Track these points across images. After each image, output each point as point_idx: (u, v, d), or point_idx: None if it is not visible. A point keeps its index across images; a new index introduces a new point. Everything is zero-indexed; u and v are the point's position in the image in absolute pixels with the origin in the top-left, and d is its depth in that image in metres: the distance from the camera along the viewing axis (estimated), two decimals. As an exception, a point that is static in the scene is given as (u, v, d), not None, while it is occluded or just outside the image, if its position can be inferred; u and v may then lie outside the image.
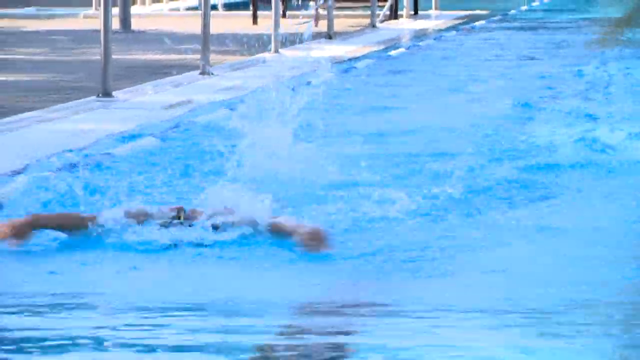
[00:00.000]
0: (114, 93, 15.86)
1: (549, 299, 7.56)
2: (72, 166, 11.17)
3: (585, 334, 6.97)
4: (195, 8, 27.39)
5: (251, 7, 30.54)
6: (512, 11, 36.95)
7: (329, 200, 11.61)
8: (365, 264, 8.48)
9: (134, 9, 29.08)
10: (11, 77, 16.97)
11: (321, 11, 28.07)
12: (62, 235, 8.95)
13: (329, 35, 26.01)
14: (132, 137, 13.14)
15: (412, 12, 34.10)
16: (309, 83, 17.80)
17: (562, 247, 9.40)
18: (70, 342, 6.71)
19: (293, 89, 17.15)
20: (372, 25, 29.66)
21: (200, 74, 18.63)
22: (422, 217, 10.76)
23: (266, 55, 21.78)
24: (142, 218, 8.83)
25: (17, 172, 10.88)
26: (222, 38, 21.44)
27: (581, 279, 8.53)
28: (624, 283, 8.45)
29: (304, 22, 24.19)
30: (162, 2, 36.98)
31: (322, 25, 27.24)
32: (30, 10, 34.51)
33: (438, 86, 20.03)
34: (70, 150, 12.27)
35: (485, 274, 8.14)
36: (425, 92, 18.90)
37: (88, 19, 28.01)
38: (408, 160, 13.44)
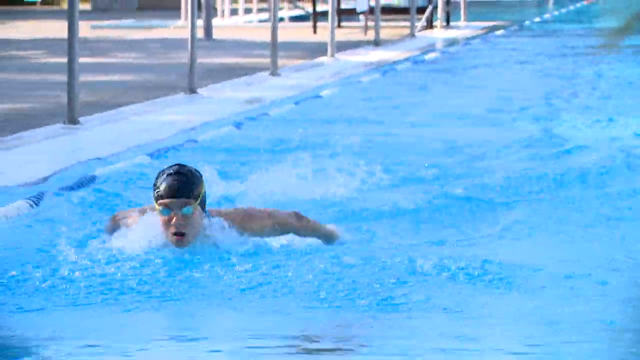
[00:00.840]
0: (198, 90, 16.05)
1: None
2: (165, 150, 11.27)
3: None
4: (266, 20, 27.33)
5: (312, 19, 30.51)
6: (527, 22, 36.70)
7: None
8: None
9: (215, 21, 29.18)
10: (114, 77, 17.16)
11: (370, 22, 27.97)
12: None
13: (376, 42, 26.06)
14: (214, 125, 13.19)
15: (445, 24, 34.00)
16: (359, 82, 17.99)
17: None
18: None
19: (347, 86, 17.31)
20: (412, 35, 29.57)
21: (270, 74, 18.72)
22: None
23: (324, 59, 21.82)
24: None
25: (117, 155, 10.83)
26: (288, 45, 21.47)
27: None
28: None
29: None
30: (238, 15, 36.98)
31: (370, 34, 27.12)
32: (130, 22, 34.59)
33: (461, 81, 19.88)
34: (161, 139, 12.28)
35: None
36: (452, 87, 18.78)
37: (177, 29, 28.06)
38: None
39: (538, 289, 6.65)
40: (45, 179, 9.81)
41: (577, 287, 6.65)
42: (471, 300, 6.47)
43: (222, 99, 15.84)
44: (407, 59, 23.02)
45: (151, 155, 10.82)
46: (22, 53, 22.11)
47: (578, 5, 49.88)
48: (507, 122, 14.90)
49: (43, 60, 19.89)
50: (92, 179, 9.71)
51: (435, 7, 33.67)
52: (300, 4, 38.83)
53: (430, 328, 6.15)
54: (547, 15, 41.26)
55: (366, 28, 28.61)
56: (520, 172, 10.56)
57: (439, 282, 6.73)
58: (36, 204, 8.66)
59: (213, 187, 8.95)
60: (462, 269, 6.93)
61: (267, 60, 19.22)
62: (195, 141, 11.90)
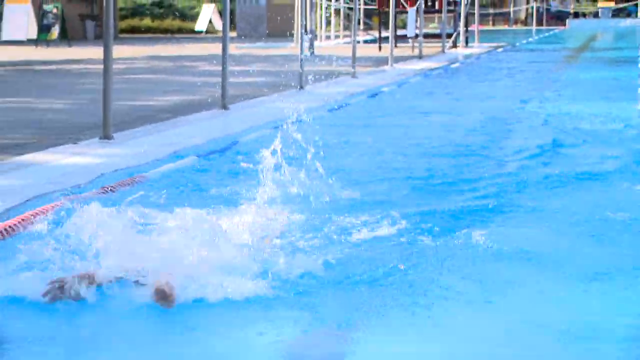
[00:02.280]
0: (305, 87, 15.96)
1: None
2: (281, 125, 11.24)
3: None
4: (348, 42, 27.40)
5: (378, 41, 30.47)
6: (517, 44, 36.43)
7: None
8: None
9: (316, 43, 29.24)
10: (252, 79, 17.15)
11: (415, 44, 27.93)
12: None
13: (420, 56, 25.83)
14: (315, 110, 13.17)
15: (464, 44, 33.67)
16: (408, 82, 17.94)
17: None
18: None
19: (400, 85, 17.28)
20: (443, 51, 29.36)
21: (351, 77, 18.65)
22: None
23: (386, 67, 21.74)
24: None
25: (248, 131, 10.74)
26: (362, 58, 21.48)
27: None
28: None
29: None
30: (330, 39, 36.97)
31: (416, 51, 27.04)
32: (261, 44, 34.68)
33: (475, 79, 19.97)
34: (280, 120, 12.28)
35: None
36: (469, 83, 18.83)
37: (292, 49, 28.02)
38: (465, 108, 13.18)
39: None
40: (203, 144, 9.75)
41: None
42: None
43: (320, 93, 15.82)
44: (440, 67, 23.02)
45: (276, 127, 10.83)
46: (193, 64, 22.19)
47: (552, 32, 49.31)
48: (502, 99, 15.57)
49: (206, 69, 19.92)
50: (236, 143, 9.74)
51: (458, 33, 33.43)
52: (371, 32, 38.64)
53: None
54: (531, 39, 40.88)
55: (413, 47, 28.53)
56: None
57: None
58: (203, 158, 8.69)
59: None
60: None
61: (349, 68, 19.20)
62: (301, 121, 11.91)
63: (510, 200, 7.03)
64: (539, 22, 56.13)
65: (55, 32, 31.24)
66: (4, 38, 29.71)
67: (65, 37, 32.24)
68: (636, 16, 59.16)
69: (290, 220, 6.40)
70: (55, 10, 31.57)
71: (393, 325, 4.28)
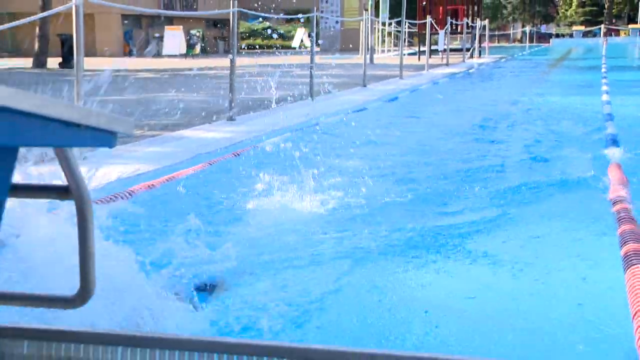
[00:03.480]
0: (367, 85, 15.74)
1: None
2: (354, 110, 11.15)
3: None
4: (397, 54, 26.94)
5: (418, 54, 29.93)
6: (515, 55, 35.53)
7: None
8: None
9: (375, 55, 28.77)
10: (330, 79, 16.97)
11: (444, 55, 27.36)
12: None
13: (447, 64, 25.29)
14: (374, 102, 13.06)
15: (478, 56, 32.91)
16: (438, 82, 17.58)
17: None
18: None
19: (434, 84, 16.91)
20: (463, 60, 28.71)
21: (399, 79, 18.32)
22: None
23: (422, 72, 21.36)
24: None
25: (331, 114, 10.64)
26: (406, 66, 21.09)
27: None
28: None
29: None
30: (384, 52, 36.39)
31: (444, 61, 26.46)
32: (336, 55, 34.35)
33: (487, 79, 19.52)
34: (349, 108, 12.14)
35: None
36: (480, 83, 18.35)
37: (358, 59, 27.67)
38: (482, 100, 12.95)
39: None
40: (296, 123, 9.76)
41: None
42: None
43: (377, 89, 15.60)
44: (461, 72, 22.47)
45: (346, 113, 10.76)
46: (289, 70, 22.02)
47: (540, 48, 48.11)
48: (506, 92, 15.00)
49: (298, 73, 19.75)
50: (317, 124, 9.66)
51: (474, 48, 32.74)
52: (412, 47, 38.02)
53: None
54: (525, 52, 39.88)
55: (442, 58, 27.93)
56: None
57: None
58: (293, 133, 8.64)
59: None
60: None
61: (397, 72, 18.91)
62: (365, 109, 11.79)
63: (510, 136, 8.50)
64: (531, 40, 54.96)
65: (197, 48, 31.49)
66: (165, 53, 30.06)
67: (204, 52, 32.47)
68: (599, 35, 57.65)
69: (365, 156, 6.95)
70: (198, 34, 31.85)
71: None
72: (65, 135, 0.93)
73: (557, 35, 66.04)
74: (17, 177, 1.12)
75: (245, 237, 4.24)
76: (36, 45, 23.97)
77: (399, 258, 3.87)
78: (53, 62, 24.19)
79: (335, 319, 3.00)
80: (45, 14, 7.40)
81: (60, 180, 1.27)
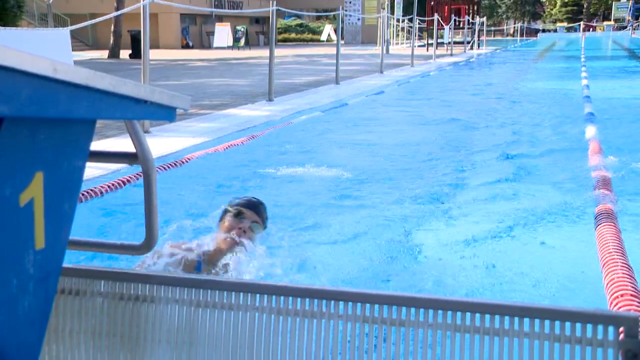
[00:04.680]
0: (384, 72, 15.55)
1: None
2: (374, 93, 10.98)
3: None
4: (409, 45, 26.53)
5: (426, 45, 29.41)
6: (508, 47, 34.78)
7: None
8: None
9: (390, 47, 28.32)
10: (352, 67, 16.82)
11: (448, 47, 26.85)
12: None
13: (451, 54, 24.81)
14: (390, 85, 12.86)
15: (477, 47, 32.27)
16: (444, 69, 17.28)
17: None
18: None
19: (441, 70, 16.63)
20: (465, 51, 28.15)
21: (410, 66, 18.02)
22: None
23: (430, 61, 21.01)
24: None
25: (354, 96, 10.53)
26: (417, 55, 20.77)
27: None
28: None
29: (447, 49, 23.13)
30: (398, 44, 35.79)
31: (449, 51, 25.97)
32: (358, 47, 33.89)
33: (485, 66, 19.15)
34: (369, 91, 11.97)
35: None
36: (480, 70, 17.91)
37: (376, 50, 27.34)
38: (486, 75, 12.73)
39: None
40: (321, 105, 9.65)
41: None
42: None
43: (392, 75, 15.36)
44: (464, 60, 22.03)
45: (367, 95, 10.66)
46: (318, 59, 21.82)
47: (529, 41, 47.07)
48: (502, 77, 14.32)
49: (326, 61, 19.51)
50: (345, 104, 9.55)
51: (474, 41, 32.12)
52: (422, 40, 37.39)
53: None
54: (517, 45, 39.04)
55: (447, 49, 27.41)
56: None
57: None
58: (324, 112, 8.57)
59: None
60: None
61: (409, 61, 18.62)
62: (383, 92, 11.64)
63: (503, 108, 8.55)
64: (521, 35, 53.81)
65: (242, 41, 31.29)
66: (215, 45, 29.95)
67: (248, 44, 32.28)
68: (579, 31, 56.37)
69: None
70: (242, 29, 31.64)
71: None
72: (134, 110, 0.94)
73: (544, 31, 64.78)
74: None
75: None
76: (111, 40, 24.22)
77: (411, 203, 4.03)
78: (124, 54, 24.33)
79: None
80: (117, 12, 7.40)
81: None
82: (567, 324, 1.13)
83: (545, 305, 1.16)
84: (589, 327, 1.12)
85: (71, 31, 4.82)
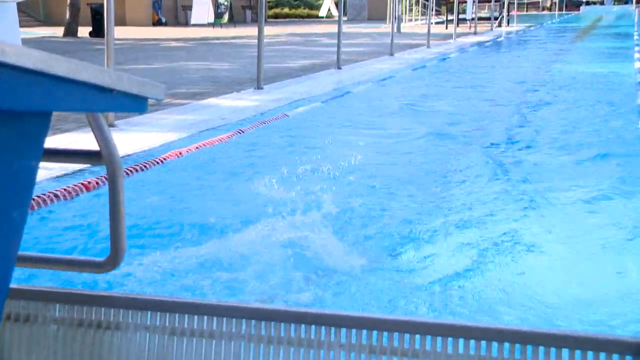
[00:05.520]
0: (395, 54, 15.56)
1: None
2: (382, 79, 11.02)
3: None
4: (424, 23, 26.69)
5: (445, 23, 29.50)
6: (544, 24, 34.87)
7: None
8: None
9: (402, 24, 28.41)
10: (356, 48, 16.81)
11: (472, 24, 26.93)
12: None
13: (475, 33, 24.88)
14: (401, 70, 12.88)
15: (506, 24, 32.34)
16: (467, 51, 17.31)
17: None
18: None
19: (463, 52, 16.69)
20: (491, 29, 28.26)
21: (427, 47, 18.05)
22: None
23: (450, 41, 21.05)
24: None
25: (359, 83, 10.49)
26: (433, 34, 20.86)
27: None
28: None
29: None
30: (412, 21, 35.89)
31: (472, 29, 26.01)
32: (363, 24, 33.97)
33: (518, 47, 19.34)
34: (385, 75, 12.01)
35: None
36: (510, 52, 18.01)
37: (385, 28, 27.37)
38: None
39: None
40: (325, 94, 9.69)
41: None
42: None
43: (404, 58, 15.40)
44: (490, 40, 22.13)
45: (374, 82, 10.69)
46: (316, 39, 21.87)
47: (570, 16, 47.16)
48: (533, 60, 14.63)
49: (325, 42, 19.56)
50: (348, 92, 9.57)
51: (502, 17, 32.20)
52: (440, 16, 37.49)
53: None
54: (554, 21, 39.09)
55: (470, 26, 27.50)
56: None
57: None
58: (324, 103, 8.59)
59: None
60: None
61: (424, 41, 18.67)
62: (393, 76, 11.67)
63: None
64: (560, 8, 53.85)
65: (225, 17, 31.35)
66: (193, 22, 30.00)
67: (232, 21, 32.32)
68: (631, 3, 56.20)
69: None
70: (226, 3, 31.67)
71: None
72: (97, 100, 0.94)
73: (588, 3, 64.73)
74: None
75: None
76: (67, 15, 24.10)
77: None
78: (84, 32, 24.29)
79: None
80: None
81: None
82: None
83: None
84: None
85: (18, 4, 4.83)
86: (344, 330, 1.24)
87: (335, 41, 12.74)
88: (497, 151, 5.83)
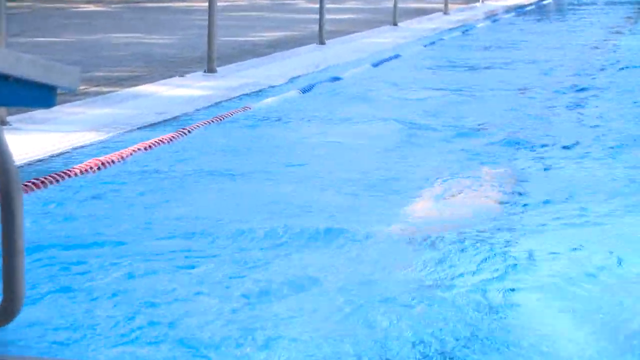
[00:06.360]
0: (399, 23, 15.66)
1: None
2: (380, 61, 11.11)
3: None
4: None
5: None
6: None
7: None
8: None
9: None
10: (347, 16, 16.88)
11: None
12: None
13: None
14: (409, 46, 13.00)
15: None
16: (499, 19, 17.60)
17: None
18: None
19: (493, 21, 16.84)
20: None
21: (444, 14, 18.15)
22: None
23: (477, 4, 21.21)
24: None
25: (350, 64, 10.64)
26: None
27: None
28: None
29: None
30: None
31: None
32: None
33: (575, 11, 19.40)
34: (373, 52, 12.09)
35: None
36: (565, 20, 18.18)
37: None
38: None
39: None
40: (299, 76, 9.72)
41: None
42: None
43: (413, 28, 15.54)
44: (532, 3, 22.09)
45: (372, 63, 10.76)
46: (291, 1, 21.93)
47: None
48: (538, 33, 15.22)
49: (304, 6, 19.67)
50: (335, 79, 9.66)
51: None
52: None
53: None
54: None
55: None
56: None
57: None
58: (303, 92, 8.64)
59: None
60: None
61: (440, 5, 18.79)
62: (399, 55, 11.76)
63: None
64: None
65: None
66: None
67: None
68: None
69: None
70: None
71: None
72: (-13, 91, 0.93)
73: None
74: None
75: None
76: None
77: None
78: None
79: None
80: None
81: None
82: None
83: None
84: None
85: None
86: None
87: (317, 5, 12.78)
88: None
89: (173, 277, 3.66)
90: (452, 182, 5.32)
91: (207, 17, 9.74)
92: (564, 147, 6.39)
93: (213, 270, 3.77)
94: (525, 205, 4.93)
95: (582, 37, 14.77)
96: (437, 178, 5.39)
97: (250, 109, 7.53)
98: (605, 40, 14.18)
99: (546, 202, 4.93)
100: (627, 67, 10.81)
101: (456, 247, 4.10)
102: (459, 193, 5.06)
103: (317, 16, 12.59)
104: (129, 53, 11.49)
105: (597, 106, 8.23)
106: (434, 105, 8.33)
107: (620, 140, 6.56)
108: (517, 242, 4.23)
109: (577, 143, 6.49)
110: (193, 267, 3.82)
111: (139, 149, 5.83)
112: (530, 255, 4.03)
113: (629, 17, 18.58)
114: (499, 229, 4.44)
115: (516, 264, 3.90)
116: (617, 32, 15.42)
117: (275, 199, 4.92)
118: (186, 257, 3.95)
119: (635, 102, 8.28)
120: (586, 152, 6.24)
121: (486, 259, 3.95)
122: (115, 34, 14.01)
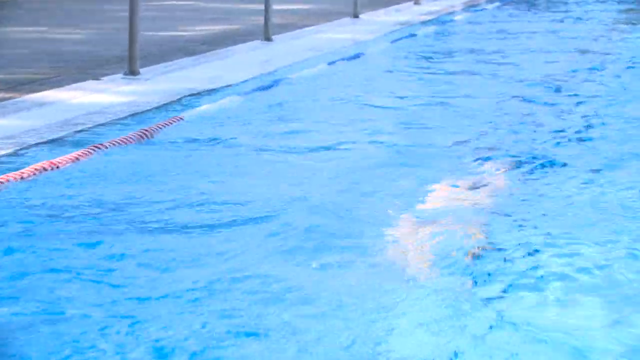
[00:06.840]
0: (361, 15, 15.75)
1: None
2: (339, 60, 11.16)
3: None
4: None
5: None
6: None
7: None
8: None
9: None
10: (298, 6, 16.93)
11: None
12: None
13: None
14: (373, 42, 13.10)
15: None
16: (481, 10, 17.69)
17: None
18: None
19: (474, 12, 16.99)
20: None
21: (414, 4, 18.24)
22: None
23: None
24: None
25: (301, 64, 10.70)
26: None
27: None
28: None
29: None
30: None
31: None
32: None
33: (511, 13, 19.69)
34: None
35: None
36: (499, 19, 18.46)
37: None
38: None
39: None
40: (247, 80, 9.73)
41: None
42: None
43: (377, 21, 15.67)
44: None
45: (328, 63, 10.80)
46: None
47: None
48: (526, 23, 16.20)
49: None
50: (283, 80, 9.69)
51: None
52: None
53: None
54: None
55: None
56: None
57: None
58: (245, 96, 8.66)
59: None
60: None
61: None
62: (362, 54, 11.82)
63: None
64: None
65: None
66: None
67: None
68: None
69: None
70: None
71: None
72: None
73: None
74: None
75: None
76: None
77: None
78: None
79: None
80: None
81: None
82: None
83: None
84: None
85: None
86: None
87: (262, -6, 12.85)
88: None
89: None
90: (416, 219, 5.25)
91: (127, 7, 9.69)
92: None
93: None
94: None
95: (576, 31, 14.99)
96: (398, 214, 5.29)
97: (181, 119, 7.52)
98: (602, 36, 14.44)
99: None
100: (627, 68, 11.06)
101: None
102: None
103: (263, 7, 12.61)
104: (31, 51, 11.40)
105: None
106: (399, 117, 8.30)
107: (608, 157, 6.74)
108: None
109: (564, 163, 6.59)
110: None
111: (45, 169, 5.78)
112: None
113: (630, 9, 18.83)
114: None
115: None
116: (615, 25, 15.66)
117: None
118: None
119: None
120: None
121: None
122: (14, 28, 13.91)
